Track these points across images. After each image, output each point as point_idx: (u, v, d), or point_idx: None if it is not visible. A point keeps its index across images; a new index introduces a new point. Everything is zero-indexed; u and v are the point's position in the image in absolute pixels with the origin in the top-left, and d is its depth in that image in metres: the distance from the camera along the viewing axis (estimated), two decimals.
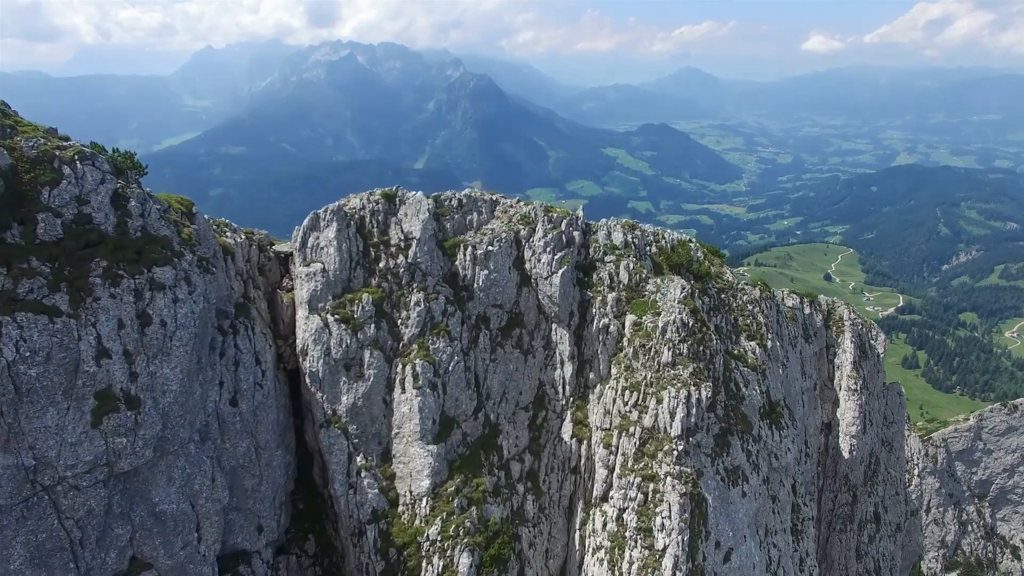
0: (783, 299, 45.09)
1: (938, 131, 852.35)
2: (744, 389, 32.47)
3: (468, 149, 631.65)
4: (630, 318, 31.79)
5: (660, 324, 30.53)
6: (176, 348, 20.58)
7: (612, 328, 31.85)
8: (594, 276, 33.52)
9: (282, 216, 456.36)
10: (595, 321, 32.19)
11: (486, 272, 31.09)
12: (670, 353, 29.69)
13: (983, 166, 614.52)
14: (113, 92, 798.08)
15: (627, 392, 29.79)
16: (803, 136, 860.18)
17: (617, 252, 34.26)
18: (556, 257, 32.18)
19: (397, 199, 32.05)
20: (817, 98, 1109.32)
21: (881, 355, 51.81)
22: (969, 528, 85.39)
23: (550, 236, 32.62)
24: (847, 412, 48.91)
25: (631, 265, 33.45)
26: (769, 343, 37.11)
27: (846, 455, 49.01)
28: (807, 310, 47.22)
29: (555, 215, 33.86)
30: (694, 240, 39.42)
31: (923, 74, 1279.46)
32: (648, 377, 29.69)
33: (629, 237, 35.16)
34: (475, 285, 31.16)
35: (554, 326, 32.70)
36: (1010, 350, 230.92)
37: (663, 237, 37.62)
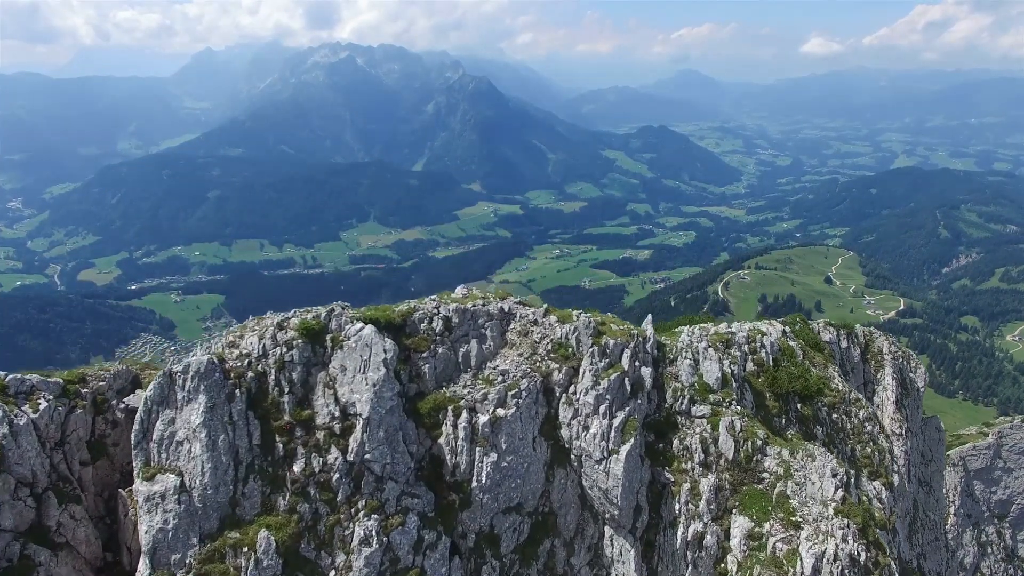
0: (819, 332, 39.94)
1: (937, 133, 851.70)
2: None
3: (467, 151, 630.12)
4: (741, 523, 19.44)
5: (806, 558, 17.81)
6: None
7: (709, 539, 19.64)
8: (675, 441, 21.50)
9: (280, 219, 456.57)
10: (680, 525, 20.05)
11: (494, 457, 19.40)
12: None
13: (982, 168, 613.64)
14: (112, 93, 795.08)
15: None
16: (802, 138, 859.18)
17: (711, 397, 22.20)
18: (616, 423, 20.19)
19: (328, 338, 19.60)
20: (816, 100, 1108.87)
21: (921, 389, 47.06)
22: (989, 550, 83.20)
23: (604, 383, 20.55)
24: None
25: (737, 424, 21.20)
26: (896, 478, 27.03)
27: None
28: (844, 343, 41.29)
29: (611, 341, 21.68)
30: (791, 335, 28.63)
31: (922, 76, 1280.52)
32: None
33: (725, 364, 23.27)
34: (474, 481, 19.40)
35: (609, 532, 20.97)
36: (1012, 354, 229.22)
37: (760, 343, 26.45)
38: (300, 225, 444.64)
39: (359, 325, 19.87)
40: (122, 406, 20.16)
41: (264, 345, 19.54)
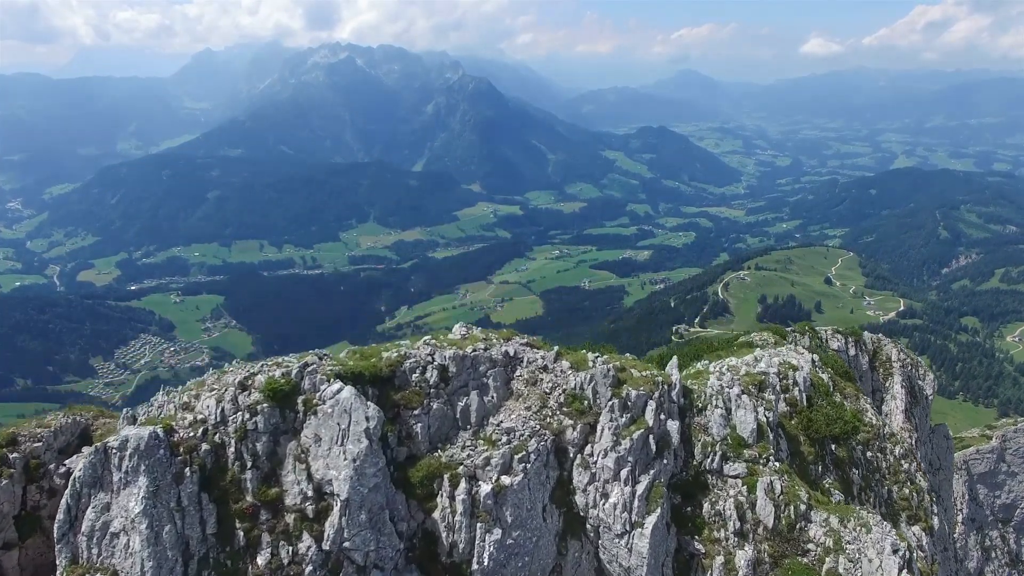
0: (827, 340, 39.35)
1: (937, 134, 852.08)
2: None
3: (467, 151, 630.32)
4: None
5: None
6: None
7: None
8: (705, 505, 19.03)
9: (279, 219, 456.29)
10: None
11: (498, 533, 16.91)
12: None
13: (982, 169, 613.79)
14: (112, 94, 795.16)
15: None
16: (802, 139, 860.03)
17: (746, 453, 19.72)
18: (639, 491, 17.88)
19: (300, 401, 16.96)
20: (816, 101, 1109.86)
21: (930, 397, 45.80)
22: (993, 554, 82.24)
23: (626, 443, 18.17)
24: None
25: (777, 485, 18.85)
26: (936, 520, 25.07)
27: None
28: (852, 351, 40.36)
29: (632, 392, 19.22)
30: (821, 365, 26.79)
31: (922, 77, 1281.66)
32: None
33: (761, 411, 20.68)
34: (475, 562, 16.90)
35: None
36: (1012, 355, 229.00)
37: (792, 379, 23.90)
38: (300, 225, 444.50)
39: (337, 385, 16.80)
40: (62, 470, 16.66)
41: (223, 409, 16.39)
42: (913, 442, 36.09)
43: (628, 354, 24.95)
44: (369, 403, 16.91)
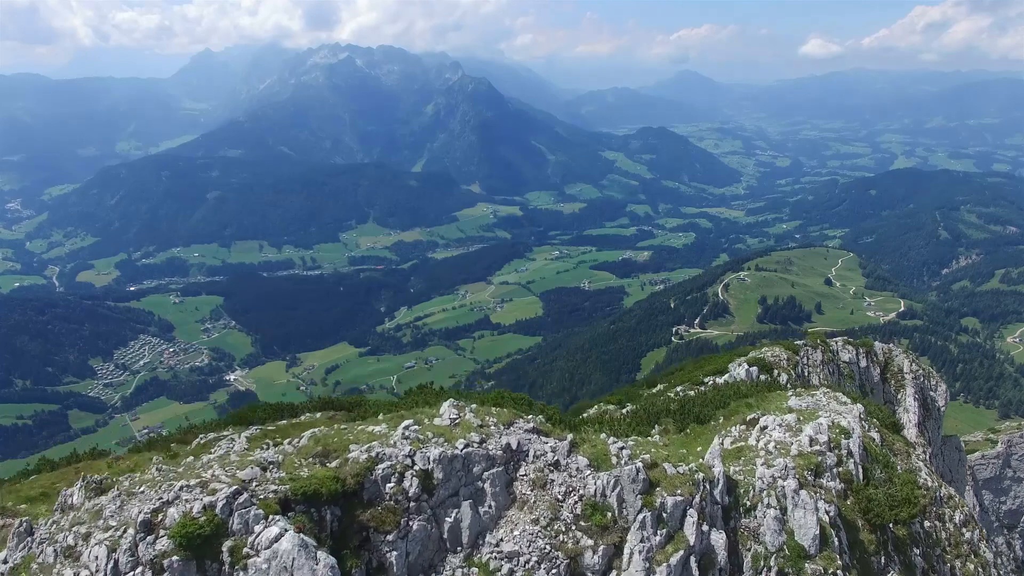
0: (838, 351, 38.65)
1: (936, 135, 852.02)
2: None
3: (467, 152, 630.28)
4: None
5: None
6: None
7: None
8: None
9: (279, 220, 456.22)
10: None
11: None
12: None
13: (981, 170, 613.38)
14: (111, 95, 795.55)
15: None
16: (801, 139, 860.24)
17: (808, 568, 16.32)
18: None
19: (225, 548, 12.41)
20: (815, 101, 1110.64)
21: (942, 408, 44.56)
22: (998, 560, 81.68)
23: (662, 570, 14.75)
24: None
25: None
26: None
27: None
28: (863, 363, 39.48)
29: (668, 499, 15.67)
30: (865, 418, 23.36)
31: (921, 78, 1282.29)
32: None
33: (822, 508, 17.22)
34: None
35: None
36: (1013, 356, 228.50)
37: (845, 449, 20.46)
38: (299, 226, 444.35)
39: (275, 530, 12.37)
40: None
41: (116, 563, 11.87)
42: (927, 456, 33.71)
43: (655, 434, 22.00)
44: (320, 553, 12.36)
